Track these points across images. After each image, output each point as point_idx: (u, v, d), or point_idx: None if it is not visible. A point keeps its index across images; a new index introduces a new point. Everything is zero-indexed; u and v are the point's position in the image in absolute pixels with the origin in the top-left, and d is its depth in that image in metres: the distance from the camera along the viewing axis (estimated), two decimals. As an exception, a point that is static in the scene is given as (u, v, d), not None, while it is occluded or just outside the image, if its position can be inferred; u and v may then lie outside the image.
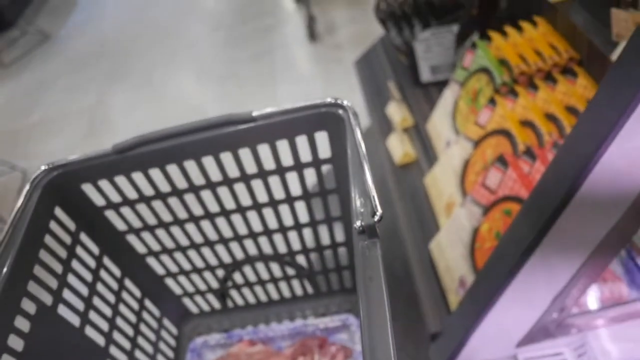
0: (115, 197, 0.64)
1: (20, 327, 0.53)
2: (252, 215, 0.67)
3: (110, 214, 0.66)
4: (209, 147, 0.60)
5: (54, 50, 3.47)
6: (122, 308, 0.68)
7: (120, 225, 0.68)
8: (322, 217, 0.68)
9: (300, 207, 0.66)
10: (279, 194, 0.65)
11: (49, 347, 0.56)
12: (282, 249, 0.72)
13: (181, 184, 0.63)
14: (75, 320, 0.61)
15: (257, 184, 0.64)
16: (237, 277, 0.78)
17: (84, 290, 0.63)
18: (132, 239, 0.70)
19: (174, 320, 0.79)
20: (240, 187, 0.64)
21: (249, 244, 0.71)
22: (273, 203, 0.66)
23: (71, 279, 0.61)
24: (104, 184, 0.63)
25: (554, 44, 0.96)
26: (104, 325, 0.65)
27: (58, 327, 0.59)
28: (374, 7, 1.30)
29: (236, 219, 0.67)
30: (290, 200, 0.65)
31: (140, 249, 0.71)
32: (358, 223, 0.44)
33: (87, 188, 0.63)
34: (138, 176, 0.62)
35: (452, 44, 1.17)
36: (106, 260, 0.68)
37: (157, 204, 0.66)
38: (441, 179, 0.99)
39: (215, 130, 0.59)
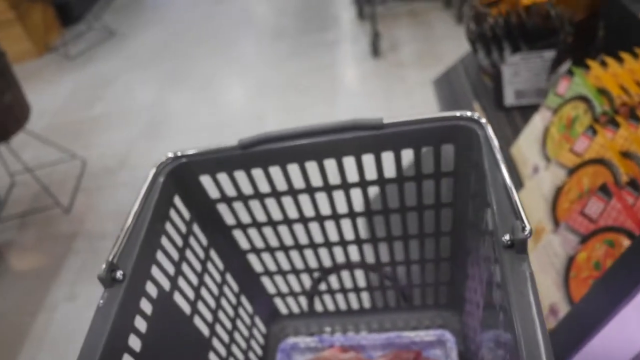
0: (230, 192, 0.65)
1: (145, 309, 0.54)
2: (360, 221, 0.67)
3: (221, 208, 0.67)
4: (332, 150, 0.60)
5: (118, 47, 3.57)
6: (223, 301, 0.69)
7: (230, 220, 0.68)
8: (431, 230, 0.67)
9: (412, 218, 0.66)
10: (393, 202, 0.65)
11: (166, 333, 0.57)
12: (384, 258, 0.71)
13: (298, 183, 0.64)
14: (186, 309, 0.61)
15: (372, 190, 0.64)
16: (332, 282, 0.78)
17: (195, 280, 0.64)
18: (237, 234, 0.70)
19: (264, 319, 0.80)
20: (355, 192, 0.64)
21: (352, 249, 0.72)
22: (386, 212, 0.66)
23: (185, 267, 0.62)
24: (221, 177, 0.64)
25: (658, 77, 0.94)
26: (209, 317, 0.66)
27: (174, 314, 0.59)
28: (464, 30, 1.30)
29: (345, 223, 0.67)
30: (403, 210, 0.65)
31: (244, 244, 0.71)
32: (507, 237, 0.44)
33: (205, 180, 0.64)
34: (257, 173, 0.63)
35: (541, 70, 1.16)
36: (212, 253, 0.69)
37: (269, 202, 0.66)
38: (528, 204, 0.98)
39: (341, 134, 0.59)
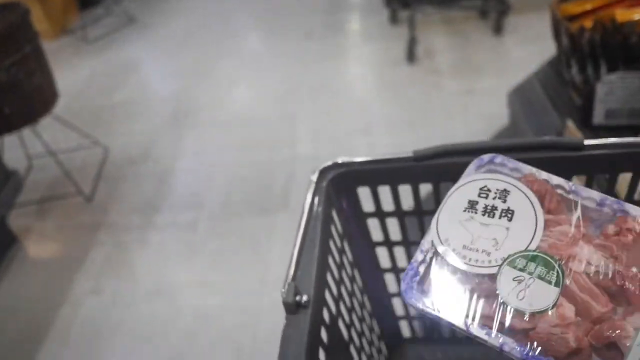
0: (388, 206, 0.59)
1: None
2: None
3: (371, 223, 0.61)
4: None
5: (139, 35, 3.48)
6: (364, 326, 0.63)
7: (377, 236, 0.62)
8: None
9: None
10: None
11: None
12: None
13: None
14: (345, 334, 0.55)
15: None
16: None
17: (348, 303, 0.58)
18: (380, 251, 0.64)
19: (387, 343, 0.74)
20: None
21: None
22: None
23: (342, 289, 0.56)
24: (383, 189, 0.58)
25: None
26: (357, 343, 0.59)
27: (339, 342, 0.53)
28: (555, 42, 1.24)
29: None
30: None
31: (385, 263, 0.65)
32: None
33: (362, 192, 0.58)
34: (424, 187, 0.57)
35: (637, 90, 1.12)
36: (355, 272, 0.63)
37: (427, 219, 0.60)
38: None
39: (532, 152, 0.53)
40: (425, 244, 0.43)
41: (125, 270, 1.81)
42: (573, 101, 1.23)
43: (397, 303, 0.71)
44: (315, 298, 0.46)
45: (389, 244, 0.63)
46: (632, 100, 1.13)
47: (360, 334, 0.61)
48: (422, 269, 0.42)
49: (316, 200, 0.53)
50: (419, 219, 0.60)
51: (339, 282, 0.55)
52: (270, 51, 3.09)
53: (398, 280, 0.67)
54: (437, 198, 0.58)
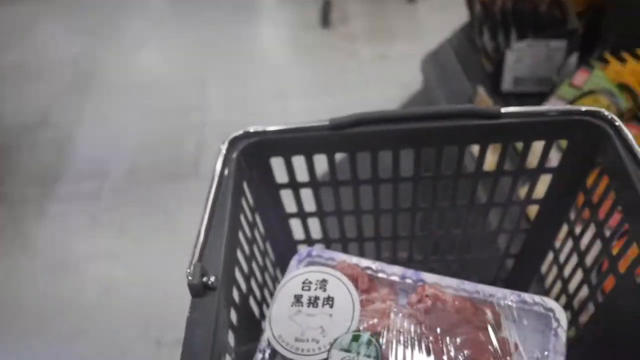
0: (302, 176, 0.56)
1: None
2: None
3: (284, 194, 0.58)
4: (432, 137, 0.53)
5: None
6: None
7: (290, 207, 0.59)
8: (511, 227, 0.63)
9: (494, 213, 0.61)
10: (482, 197, 0.59)
11: (248, 346, 0.47)
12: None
13: (364, 174, 0.56)
14: (256, 312, 0.52)
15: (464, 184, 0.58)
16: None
17: (260, 279, 0.55)
18: (294, 223, 0.61)
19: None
20: (445, 184, 0.58)
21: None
22: (471, 205, 0.60)
23: (254, 265, 0.53)
24: (297, 159, 0.54)
25: (676, 79, 0.94)
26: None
27: (250, 322, 0.50)
28: (468, 9, 1.25)
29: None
30: (489, 204, 0.60)
31: (298, 235, 0.62)
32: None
33: (275, 162, 0.55)
34: (340, 156, 0.54)
35: (544, 59, 1.14)
36: (268, 246, 0.60)
37: (343, 190, 0.58)
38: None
39: (448, 120, 0.52)
40: (262, 343, 0.46)
41: (22, 245, 1.68)
42: (484, 68, 1.24)
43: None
44: (224, 278, 0.42)
45: (303, 215, 0.60)
46: (539, 69, 1.16)
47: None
48: None
49: (226, 172, 0.49)
50: (334, 189, 0.57)
51: (250, 258, 0.52)
52: (179, 12, 2.94)
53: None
54: (354, 168, 0.55)
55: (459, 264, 0.68)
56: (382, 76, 2.25)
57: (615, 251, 0.50)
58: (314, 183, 0.56)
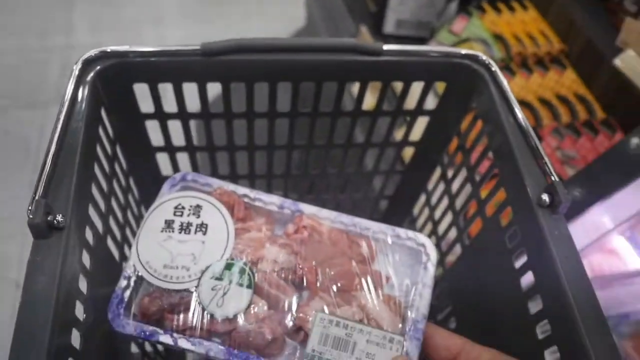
0: (170, 107, 0.51)
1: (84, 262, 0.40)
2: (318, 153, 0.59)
3: (150, 125, 0.53)
4: (311, 70, 0.50)
5: None
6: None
7: (157, 141, 0.54)
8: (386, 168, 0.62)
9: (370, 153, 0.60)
10: (359, 137, 0.58)
11: (105, 290, 0.43)
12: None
13: (239, 107, 0.52)
14: (116, 254, 0.48)
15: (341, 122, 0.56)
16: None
17: (121, 218, 0.50)
18: (162, 158, 0.56)
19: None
20: (323, 122, 0.55)
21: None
22: (348, 145, 0.58)
23: (113, 203, 0.48)
24: (164, 87, 0.49)
25: (545, 32, 0.99)
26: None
27: (109, 265, 0.46)
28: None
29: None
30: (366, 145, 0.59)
31: (166, 170, 0.58)
32: (545, 196, 0.41)
33: (139, 89, 0.49)
34: (214, 87, 0.50)
35: (427, 3, 1.15)
36: (131, 182, 0.55)
37: (215, 123, 0.54)
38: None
39: (327, 54, 0.49)
40: (128, 269, 0.43)
41: None
42: (368, 8, 1.23)
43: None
44: (74, 217, 0.37)
45: (171, 149, 0.55)
46: (421, 13, 1.16)
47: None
48: (127, 295, 0.42)
49: (79, 96, 0.43)
50: (205, 122, 0.53)
51: (109, 195, 0.47)
52: None
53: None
54: (227, 99, 0.51)
55: (335, 203, 0.67)
56: (268, 9, 2.17)
57: (483, 195, 0.51)
58: (182, 114, 0.52)
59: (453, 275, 0.57)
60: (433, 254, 0.46)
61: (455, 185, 0.57)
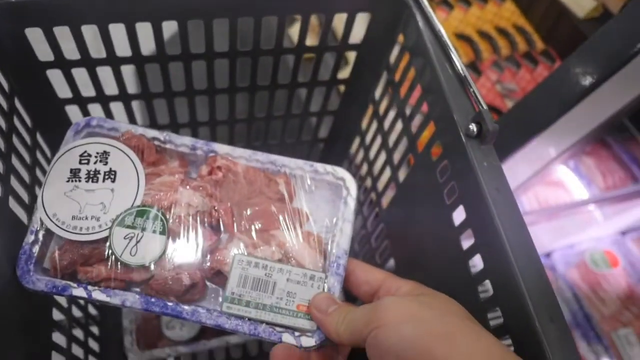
0: (71, 54, 0.47)
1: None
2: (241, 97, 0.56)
3: (52, 75, 0.48)
4: (222, 8, 0.46)
5: None
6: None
7: (63, 92, 0.50)
8: (317, 109, 0.60)
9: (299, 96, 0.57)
10: (284, 78, 0.55)
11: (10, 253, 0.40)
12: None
13: (147, 47, 0.48)
14: (22, 216, 0.44)
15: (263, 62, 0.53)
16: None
17: (27, 178, 0.46)
18: (71, 110, 0.52)
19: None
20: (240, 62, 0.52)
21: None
22: (273, 87, 0.55)
23: (14, 161, 0.44)
24: (61, 32, 0.45)
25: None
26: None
27: (10, 225, 0.42)
28: None
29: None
30: (294, 85, 0.56)
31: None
32: (473, 126, 0.39)
33: (33, 35, 0.44)
34: (117, 29, 0.46)
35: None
36: (39, 138, 0.50)
37: (126, 70, 0.50)
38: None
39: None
40: (34, 223, 0.40)
41: None
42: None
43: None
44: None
45: (80, 101, 0.51)
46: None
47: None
48: (36, 250, 0.40)
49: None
50: (114, 69, 0.49)
51: (8, 154, 0.43)
52: None
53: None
54: (134, 43, 0.47)
55: (268, 150, 0.64)
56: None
57: (414, 130, 0.49)
58: (87, 61, 0.47)
59: (389, 215, 0.56)
60: (353, 187, 0.45)
61: (387, 123, 0.55)
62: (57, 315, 0.48)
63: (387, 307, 0.33)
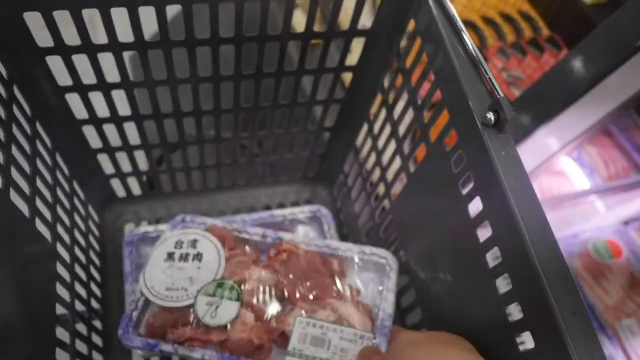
0: (72, 39, 0.45)
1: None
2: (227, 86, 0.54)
3: (52, 61, 0.46)
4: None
5: None
6: (59, 192, 0.50)
7: (63, 80, 0.48)
8: (323, 97, 0.58)
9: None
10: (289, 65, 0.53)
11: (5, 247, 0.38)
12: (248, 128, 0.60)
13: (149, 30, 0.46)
14: (25, 209, 0.43)
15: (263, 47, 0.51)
16: (178, 160, 0.63)
17: (27, 168, 0.45)
18: (72, 99, 0.50)
19: (96, 205, 0.62)
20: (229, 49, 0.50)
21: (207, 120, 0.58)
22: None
23: (15, 152, 0.42)
24: (60, 16, 0.43)
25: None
26: (48, 215, 0.47)
27: (11, 219, 0.40)
28: None
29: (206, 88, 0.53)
30: (299, 72, 0.54)
31: (79, 113, 0.52)
32: (490, 115, 0.38)
33: (32, 19, 0.43)
34: (118, 13, 0.44)
35: None
36: (39, 128, 0.49)
37: (128, 56, 0.48)
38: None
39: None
40: (135, 294, 0.52)
41: None
42: None
43: (107, 160, 0.59)
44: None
45: (80, 88, 0.49)
46: None
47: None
48: (135, 315, 0.51)
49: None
50: (116, 55, 0.47)
51: (7, 143, 0.41)
52: None
53: (100, 134, 0.55)
54: (137, 28, 0.45)
55: (274, 139, 0.63)
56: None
57: (426, 119, 0.48)
58: (88, 47, 0.45)
59: (400, 207, 0.55)
60: (394, 264, 0.55)
61: (397, 111, 0.53)
62: (59, 309, 0.47)
63: (399, 337, 0.39)
